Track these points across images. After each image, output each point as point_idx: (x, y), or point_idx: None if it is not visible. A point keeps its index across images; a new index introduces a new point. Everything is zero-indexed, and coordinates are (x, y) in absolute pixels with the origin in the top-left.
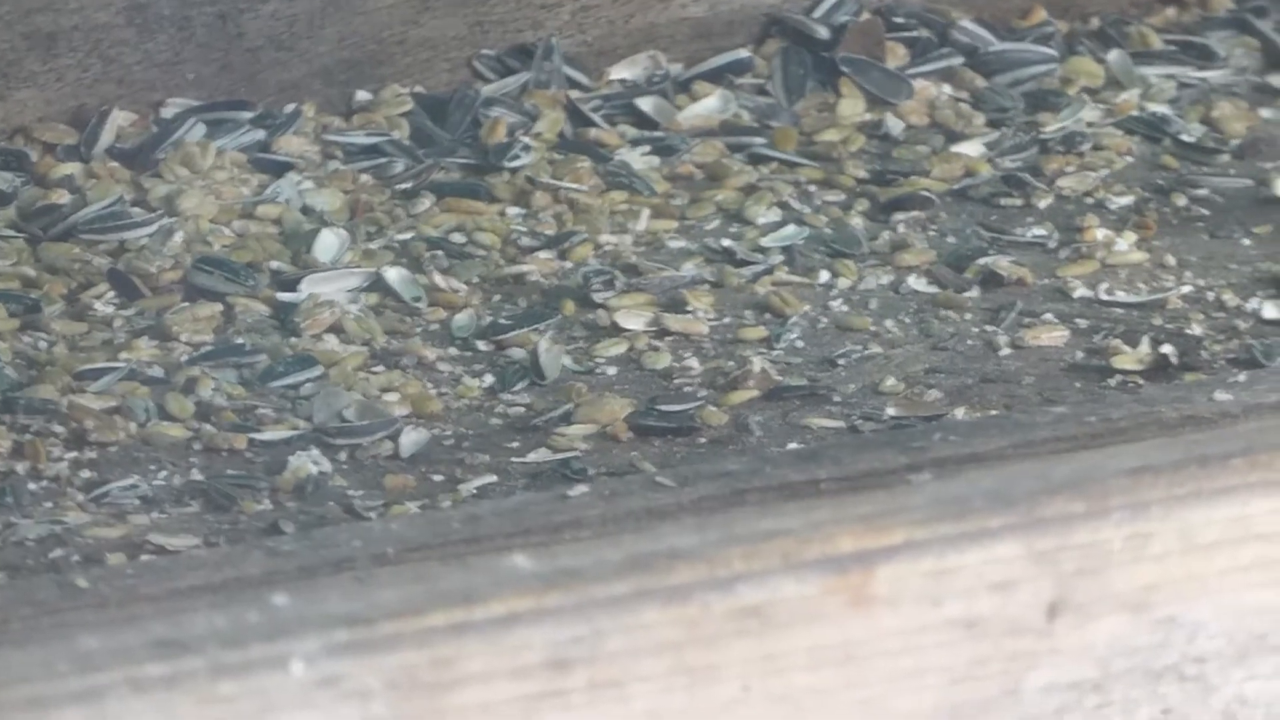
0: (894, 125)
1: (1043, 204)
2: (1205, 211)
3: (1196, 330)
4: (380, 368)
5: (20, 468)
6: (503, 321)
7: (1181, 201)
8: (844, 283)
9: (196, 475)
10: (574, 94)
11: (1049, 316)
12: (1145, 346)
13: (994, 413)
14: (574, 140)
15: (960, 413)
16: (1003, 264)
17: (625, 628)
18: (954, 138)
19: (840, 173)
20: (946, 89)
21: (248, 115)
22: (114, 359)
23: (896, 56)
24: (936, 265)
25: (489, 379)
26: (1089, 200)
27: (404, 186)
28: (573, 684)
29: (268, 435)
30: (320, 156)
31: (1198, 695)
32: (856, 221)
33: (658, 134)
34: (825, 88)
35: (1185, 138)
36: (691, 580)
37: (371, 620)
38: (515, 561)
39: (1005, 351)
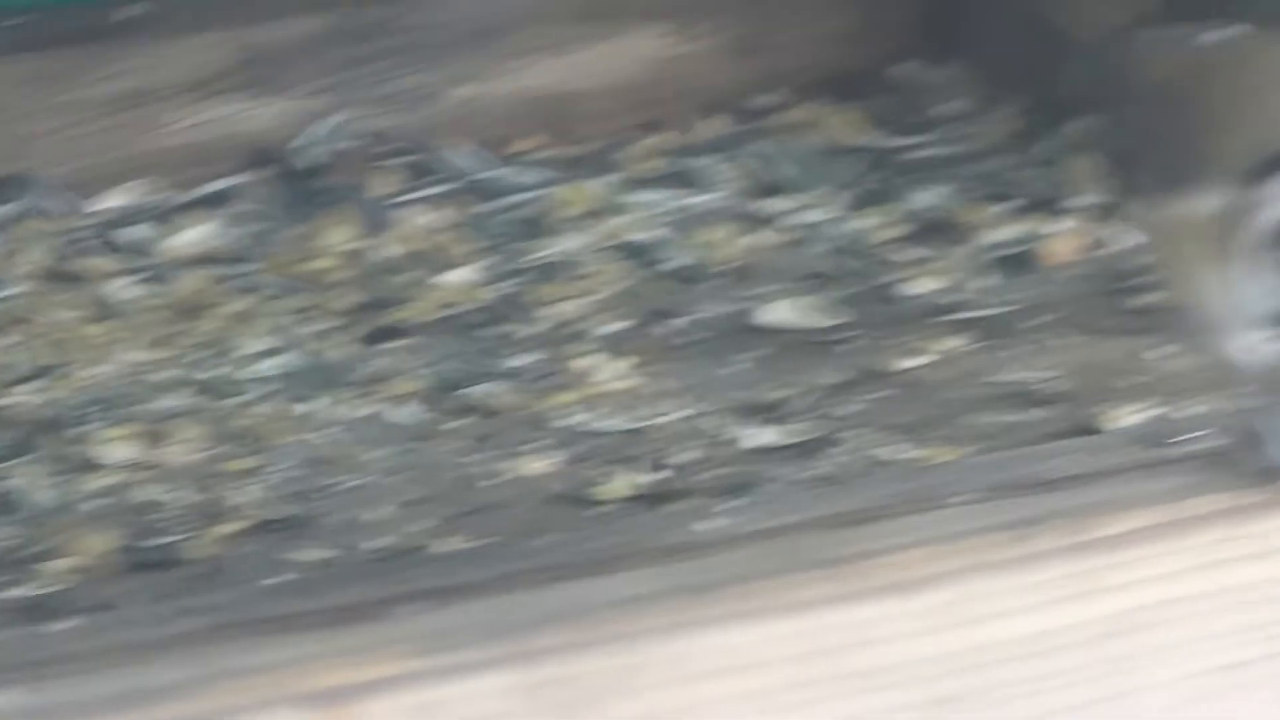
0: (382, 253)
1: (532, 331)
2: (693, 338)
3: (684, 458)
4: None
5: None
6: None
7: (670, 328)
8: (331, 413)
9: None
10: (59, 224)
11: (537, 445)
12: (633, 474)
13: (482, 542)
14: (60, 271)
15: (448, 543)
16: (491, 392)
17: None
18: (444, 265)
19: (328, 301)
20: (437, 216)
21: None
22: None
23: (386, 184)
24: (424, 393)
25: None
26: (578, 327)
27: None
28: None
29: None
30: None
31: None
32: (344, 350)
33: (146, 263)
34: (313, 216)
35: (674, 264)
36: (177, 716)
37: None
38: None
39: (493, 480)
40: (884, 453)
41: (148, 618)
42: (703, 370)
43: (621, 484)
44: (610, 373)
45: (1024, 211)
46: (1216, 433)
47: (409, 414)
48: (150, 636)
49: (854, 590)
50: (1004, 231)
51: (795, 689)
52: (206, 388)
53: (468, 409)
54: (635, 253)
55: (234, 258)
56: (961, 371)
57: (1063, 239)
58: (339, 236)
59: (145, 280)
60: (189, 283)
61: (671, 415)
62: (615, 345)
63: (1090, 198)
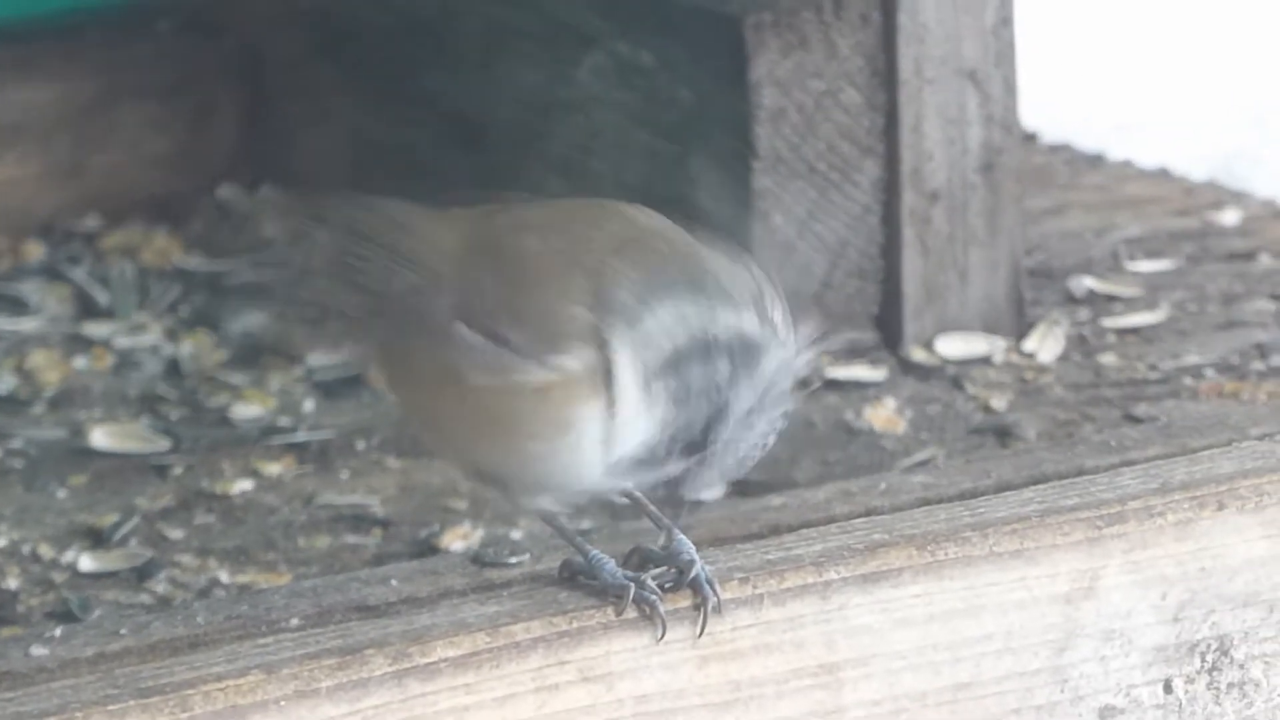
0: None
1: None
2: (20, 464)
3: (12, 584)
4: None
5: None
6: None
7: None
8: None
9: None
10: None
11: None
12: None
13: None
14: None
15: None
16: None
17: None
18: None
19: None
20: None
21: None
22: None
23: None
24: None
25: None
26: None
27: None
28: None
29: None
30: None
31: None
32: None
33: None
34: None
35: None
36: None
37: None
38: None
39: None
40: (212, 577)
41: None
42: (29, 495)
43: None
44: None
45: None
46: (541, 556)
47: None
48: None
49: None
50: (329, 355)
51: None
52: None
53: None
54: None
55: None
56: (290, 494)
57: None
58: None
59: None
60: None
61: (1, 540)
62: None
63: None
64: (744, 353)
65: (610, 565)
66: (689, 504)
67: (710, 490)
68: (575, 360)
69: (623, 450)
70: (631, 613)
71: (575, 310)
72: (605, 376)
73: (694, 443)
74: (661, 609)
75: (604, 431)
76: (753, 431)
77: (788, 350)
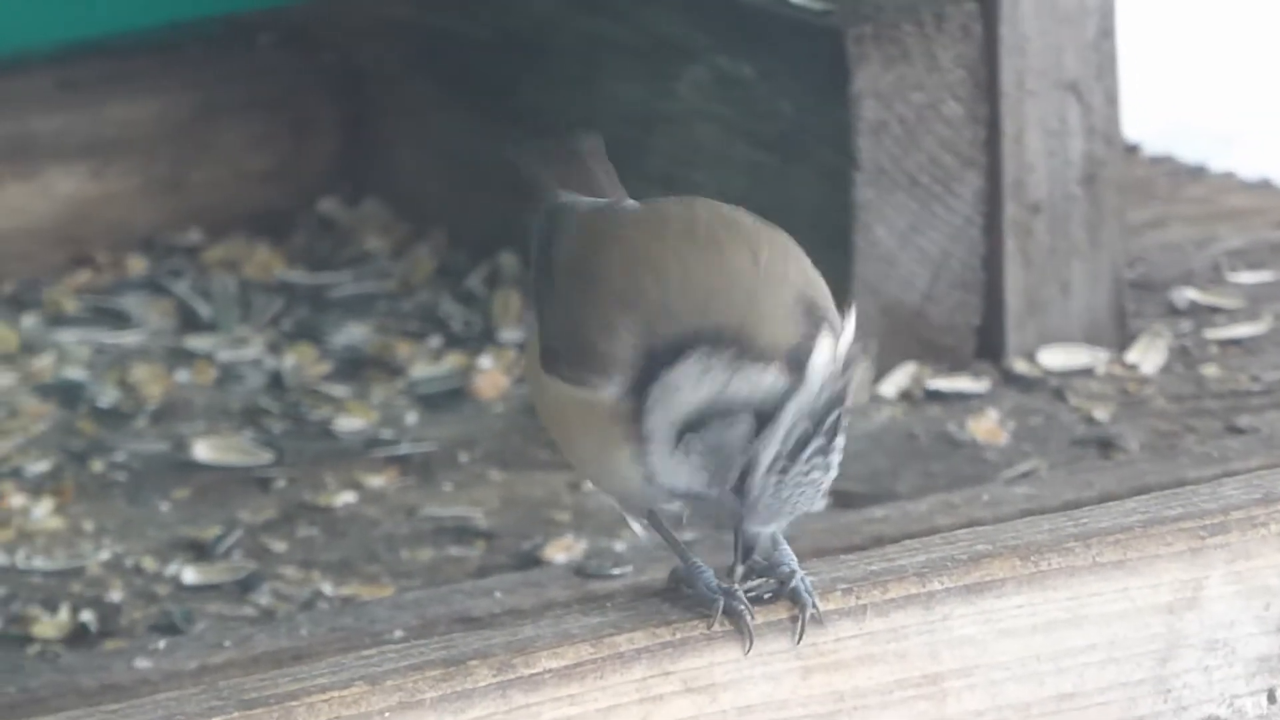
0: None
1: None
2: (123, 477)
3: (116, 598)
4: None
5: None
6: None
7: (99, 467)
8: None
9: None
10: None
11: None
12: (65, 614)
13: None
14: None
15: None
16: None
17: None
18: None
19: None
20: None
21: None
22: None
23: None
24: None
25: None
26: (5, 467)
27: None
28: None
29: None
30: None
31: None
32: None
33: None
34: None
35: (102, 403)
36: None
37: None
38: None
39: None
40: (315, 589)
41: None
42: (133, 508)
43: (55, 623)
44: (41, 511)
45: (451, 346)
46: (644, 568)
47: None
48: None
49: None
50: (432, 367)
51: None
52: None
53: None
54: (61, 391)
55: None
56: (393, 507)
57: (491, 374)
58: None
59: None
60: None
61: (103, 553)
62: (44, 484)
63: (517, 332)
64: (767, 407)
65: (707, 576)
66: (748, 536)
67: (768, 523)
68: (608, 384)
69: (659, 480)
70: (723, 624)
71: (615, 345)
72: (633, 414)
73: (731, 487)
74: (750, 622)
75: (637, 459)
76: (797, 468)
77: (829, 388)
